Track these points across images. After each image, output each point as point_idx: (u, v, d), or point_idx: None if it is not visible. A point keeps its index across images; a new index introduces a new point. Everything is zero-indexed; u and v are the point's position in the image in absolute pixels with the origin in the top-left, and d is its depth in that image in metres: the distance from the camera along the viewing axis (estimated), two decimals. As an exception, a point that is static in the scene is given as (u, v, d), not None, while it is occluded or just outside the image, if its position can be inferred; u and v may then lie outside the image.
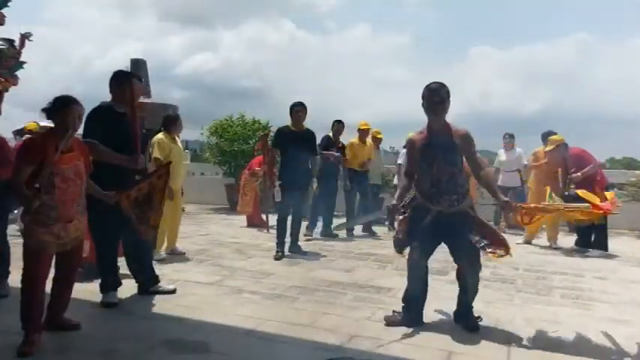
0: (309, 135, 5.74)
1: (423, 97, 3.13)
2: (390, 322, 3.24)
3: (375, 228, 7.45)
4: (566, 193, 6.42)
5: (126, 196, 3.31)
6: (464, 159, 3.20)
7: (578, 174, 6.03)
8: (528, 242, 6.89)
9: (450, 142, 3.11)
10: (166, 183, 3.62)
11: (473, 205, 3.24)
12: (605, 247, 6.09)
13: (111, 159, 3.32)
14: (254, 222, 8.01)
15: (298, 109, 5.62)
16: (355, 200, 7.52)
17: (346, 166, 7.34)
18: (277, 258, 5.36)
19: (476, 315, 3.22)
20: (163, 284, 3.88)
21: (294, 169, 5.48)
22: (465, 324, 3.17)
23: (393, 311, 3.34)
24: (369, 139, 7.61)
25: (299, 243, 5.77)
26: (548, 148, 6.35)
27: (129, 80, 3.51)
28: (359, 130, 7.48)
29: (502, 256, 3.08)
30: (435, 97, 3.07)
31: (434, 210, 3.14)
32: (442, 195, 3.11)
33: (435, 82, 3.13)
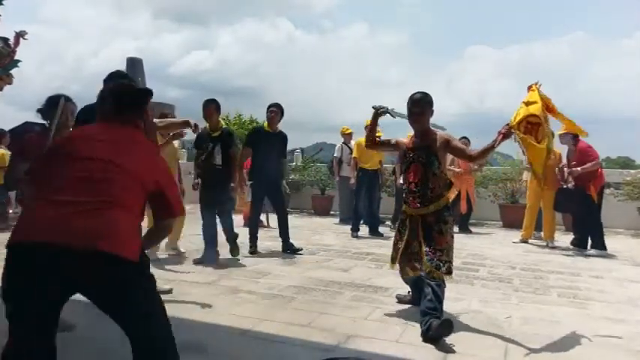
0: (282, 137, 5.78)
1: (406, 106, 3.32)
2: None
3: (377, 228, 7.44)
4: (564, 185, 6.41)
5: None
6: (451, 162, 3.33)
7: (578, 168, 6.00)
8: (525, 241, 6.90)
9: (427, 147, 3.27)
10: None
11: (443, 213, 3.22)
12: (602, 247, 6.09)
13: None
14: None
15: (273, 110, 5.66)
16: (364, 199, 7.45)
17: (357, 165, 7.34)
18: (252, 252, 5.58)
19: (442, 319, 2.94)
20: (159, 284, 3.85)
21: (264, 169, 5.56)
22: (424, 330, 2.97)
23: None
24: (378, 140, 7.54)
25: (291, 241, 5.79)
26: (560, 132, 6.18)
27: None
28: (366, 128, 7.42)
29: (444, 274, 3.13)
30: (415, 108, 3.28)
31: (405, 212, 3.37)
32: (410, 196, 3.32)
33: (417, 93, 3.32)
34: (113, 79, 3.51)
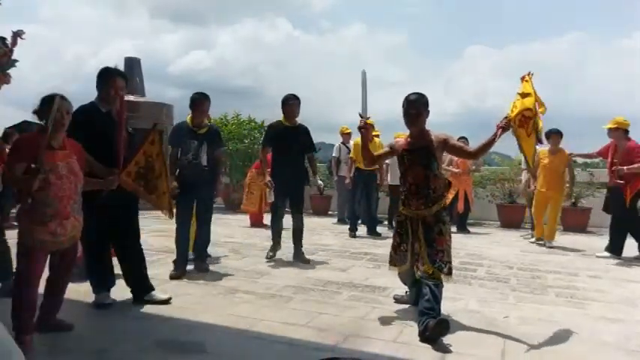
0: (304, 130, 5.27)
1: (402, 107, 3.31)
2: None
3: (375, 228, 7.44)
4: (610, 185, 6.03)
5: (126, 174, 3.27)
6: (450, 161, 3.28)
7: (624, 167, 5.66)
8: (540, 240, 6.76)
9: (425, 148, 3.26)
10: (161, 147, 3.54)
11: (442, 214, 3.23)
12: (616, 251, 5.77)
13: (91, 167, 3.14)
14: (260, 222, 7.93)
15: (293, 103, 5.13)
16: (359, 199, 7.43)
17: (354, 165, 7.34)
18: (269, 257, 5.27)
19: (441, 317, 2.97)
20: (157, 293, 3.67)
21: (287, 168, 5.11)
22: (421, 330, 2.97)
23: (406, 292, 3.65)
24: (377, 138, 7.54)
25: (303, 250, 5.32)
26: (609, 126, 5.88)
27: (113, 79, 3.41)
28: (359, 129, 7.41)
29: (446, 274, 3.13)
30: (411, 110, 3.27)
31: (404, 213, 3.33)
32: (411, 198, 3.27)
33: (413, 94, 3.31)
34: (109, 73, 3.48)
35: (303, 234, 5.36)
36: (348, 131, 8.59)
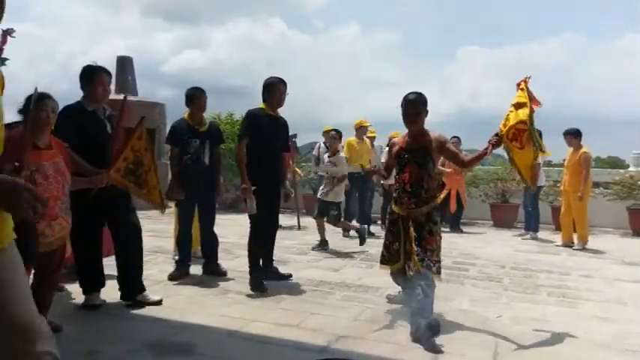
0: (284, 124, 4.32)
1: (401, 106, 3.33)
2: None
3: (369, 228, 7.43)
4: None
5: (115, 171, 3.23)
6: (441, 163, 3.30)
7: None
8: (571, 246, 6.58)
9: (423, 147, 3.28)
10: (149, 142, 3.51)
11: (433, 214, 3.24)
12: None
13: (78, 167, 3.10)
14: None
15: (283, 89, 4.15)
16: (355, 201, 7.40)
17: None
18: (263, 291, 3.96)
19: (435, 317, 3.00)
20: (148, 294, 3.60)
21: (270, 167, 4.12)
22: (413, 330, 2.99)
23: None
24: (367, 138, 7.57)
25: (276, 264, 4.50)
26: None
27: (98, 75, 3.35)
28: (357, 128, 7.43)
29: (435, 274, 3.16)
30: (410, 109, 3.29)
31: (396, 212, 3.35)
32: (404, 196, 3.29)
33: (412, 93, 3.32)
34: (92, 70, 3.43)
35: (296, 232, 5.18)
36: (327, 129, 8.64)
